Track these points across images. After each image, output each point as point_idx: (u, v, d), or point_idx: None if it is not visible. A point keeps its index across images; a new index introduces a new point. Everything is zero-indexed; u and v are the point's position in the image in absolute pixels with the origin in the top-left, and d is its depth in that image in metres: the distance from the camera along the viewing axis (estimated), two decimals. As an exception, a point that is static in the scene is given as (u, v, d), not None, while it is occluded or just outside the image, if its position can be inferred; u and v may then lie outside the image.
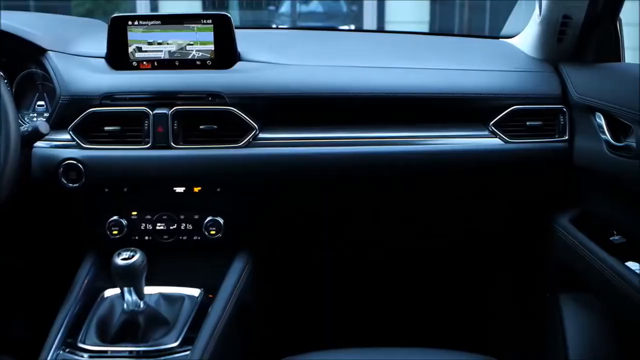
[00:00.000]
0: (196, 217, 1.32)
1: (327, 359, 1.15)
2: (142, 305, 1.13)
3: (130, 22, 1.35)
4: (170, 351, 1.10)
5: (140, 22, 1.36)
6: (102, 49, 1.40)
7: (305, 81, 1.32)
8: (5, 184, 1.12)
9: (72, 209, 1.32)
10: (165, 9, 6.59)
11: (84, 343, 1.12)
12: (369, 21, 6.59)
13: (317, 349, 1.17)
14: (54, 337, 1.13)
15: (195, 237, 1.32)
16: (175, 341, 1.12)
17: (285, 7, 8.38)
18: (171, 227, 1.33)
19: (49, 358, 1.09)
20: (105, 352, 1.10)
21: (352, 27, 8.01)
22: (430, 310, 1.65)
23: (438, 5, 6.76)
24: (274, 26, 7.18)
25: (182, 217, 1.32)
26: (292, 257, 1.49)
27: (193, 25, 1.35)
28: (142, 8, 6.56)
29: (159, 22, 1.36)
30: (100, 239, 1.32)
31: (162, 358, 1.09)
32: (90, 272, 1.29)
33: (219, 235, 1.31)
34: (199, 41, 1.36)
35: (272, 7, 9.06)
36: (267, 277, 1.33)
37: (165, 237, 1.33)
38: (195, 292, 1.25)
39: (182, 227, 1.32)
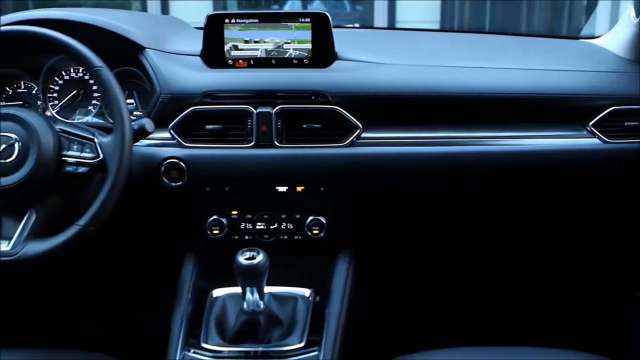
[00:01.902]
0: (298, 216, 1.31)
1: (438, 358, 1.16)
2: (262, 305, 1.12)
3: (227, 20, 1.34)
4: (297, 352, 1.09)
5: (237, 20, 1.35)
6: (193, 46, 1.39)
7: (406, 81, 1.32)
8: (121, 183, 1.11)
9: (172, 208, 1.31)
10: (175, 8, 6.55)
11: (206, 343, 1.11)
12: (380, 21, 6.60)
13: (423, 348, 1.17)
14: (176, 337, 1.12)
15: (296, 237, 1.31)
16: (300, 342, 1.11)
17: (288, 7, 8.38)
18: (272, 227, 1.32)
19: (177, 358, 1.08)
20: (231, 352, 1.09)
21: (357, 25, 8.03)
22: (516, 308, 1.66)
23: (449, 4, 6.79)
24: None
25: (283, 216, 1.31)
26: (392, 255, 1.48)
27: (291, 23, 1.34)
28: (153, 8, 6.51)
29: (256, 20, 1.35)
30: (200, 239, 1.31)
31: (289, 359, 1.08)
32: (194, 272, 1.28)
33: (322, 234, 1.30)
34: (297, 40, 1.35)
35: (275, 6, 9.09)
36: (369, 276, 1.33)
37: (266, 236, 1.32)
38: (305, 292, 1.24)
39: (283, 227, 1.32)
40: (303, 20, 1.34)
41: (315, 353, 1.10)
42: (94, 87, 1.42)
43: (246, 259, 1.07)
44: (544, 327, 1.62)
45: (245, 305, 1.12)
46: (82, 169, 1.14)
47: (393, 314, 1.54)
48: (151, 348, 1.22)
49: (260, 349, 1.10)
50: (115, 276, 1.44)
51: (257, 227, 1.32)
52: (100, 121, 1.41)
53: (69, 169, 1.14)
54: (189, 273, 1.28)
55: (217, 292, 1.24)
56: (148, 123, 1.22)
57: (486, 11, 7.43)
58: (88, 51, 1.14)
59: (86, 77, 1.42)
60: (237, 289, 1.26)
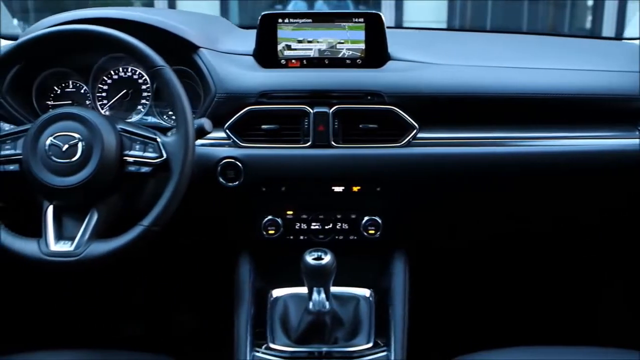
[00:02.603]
0: (353, 216, 1.31)
1: (497, 359, 1.16)
2: (327, 306, 1.12)
3: (280, 20, 1.34)
4: (366, 353, 1.09)
5: (291, 20, 1.35)
6: (244, 45, 1.39)
7: (460, 81, 1.32)
8: (184, 183, 1.11)
9: (228, 208, 1.30)
10: (181, 8, 6.54)
11: (273, 343, 1.10)
12: (387, 21, 6.57)
13: (479, 347, 1.17)
14: (244, 338, 1.12)
15: (351, 237, 1.31)
16: (367, 342, 1.11)
17: (291, 7, 8.38)
18: (326, 227, 1.31)
19: (247, 359, 1.07)
20: (300, 352, 1.09)
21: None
22: (567, 306, 1.66)
23: (458, 4, 6.80)
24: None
25: (338, 216, 1.31)
26: (443, 254, 1.49)
27: (344, 23, 1.34)
28: (160, 7, 6.50)
29: (309, 20, 1.35)
30: (255, 239, 1.31)
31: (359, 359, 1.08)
32: (251, 272, 1.28)
33: (377, 234, 1.30)
34: (350, 40, 1.35)
35: (278, 6, 9.09)
36: (422, 276, 1.33)
37: (321, 236, 1.32)
38: (365, 292, 1.25)
39: (338, 227, 1.31)
40: (357, 20, 1.34)
41: (385, 353, 1.10)
42: (144, 87, 1.42)
43: (314, 259, 1.07)
44: (594, 326, 1.63)
45: (311, 305, 1.11)
46: (144, 169, 1.13)
47: (447, 313, 1.55)
48: (203, 348, 1.22)
49: (329, 349, 1.09)
50: (166, 276, 1.43)
51: (312, 227, 1.32)
52: (155, 120, 1.41)
53: (132, 168, 1.14)
54: (247, 273, 1.28)
55: (277, 293, 1.24)
56: (207, 123, 1.21)
57: (496, 11, 7.46)
58: (150, 50, 1.14)
59: (135, 77, 1.42)
60: (297, 289, 1.27)
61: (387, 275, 1.30)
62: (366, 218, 1.30)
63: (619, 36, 1.62)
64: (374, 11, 1.34)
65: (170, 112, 1.42)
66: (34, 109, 1.41)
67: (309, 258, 1.07)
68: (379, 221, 1.30)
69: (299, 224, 1.32)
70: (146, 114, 1.42)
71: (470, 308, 1.61)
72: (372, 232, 1.30)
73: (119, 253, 1.09)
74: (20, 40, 1.15)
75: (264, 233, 1.30)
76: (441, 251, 1.48)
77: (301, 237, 1.32)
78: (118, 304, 1.66)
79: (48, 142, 1.11)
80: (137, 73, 1.42)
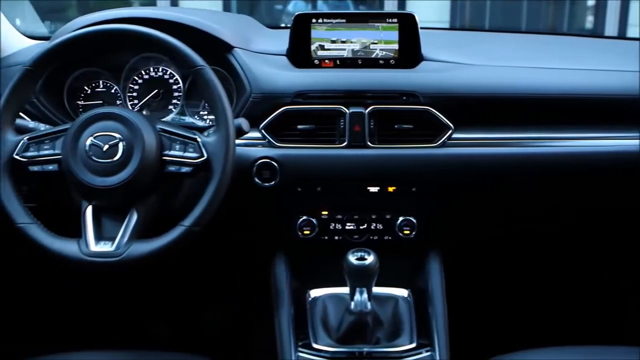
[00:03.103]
0: (388, 216, 1.31)
1: (535, 359, 1.16)
2: (369, 306, 1.12)
3: (314, 20, 1.34)
4: (411, 353, 1.10)
5: (325, 20, 1.35)
6: (275, 45, 1.39)
7: (494, 81, 1.32)
8: (226, 183, 1.11)
9: (263, 209, 1.30)
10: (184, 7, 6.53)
11: (316, 343, 1.10)
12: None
13: (516, 347, 1.18)
14: (287, 338, 1.12)
15: (386, 237, 1.31)
16: (410, 343, 1.11)
17: (292, 7, 8.38)
18: (361, 227, 1.32)
19: (292, 359, 1.07)
20: (344, 352, 1.09)
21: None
22: (599, 306, 1.67)
23: (459, 5, 6.81)
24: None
25: (373, 216, 1.31)
26: (476, 254, 1.49)
27: (378, 24, 1.35)
28: (162, 7, 6.48)
29: (343, 20, 1.35)
30: (290, 239, 1.31)
31: (403, 360, 1.08)
32: (287, 272, 1.28)
33: (412, 235, 1.30)
34: (383, 40, 1.35)
35: (278, 6, 9.09)
36: (455, 276, 1.33)
37: (356, 237, 1.32)
38: (402, 292, 1.25)
39: (373, 227, 1.31)
40: (390, 20, 1.34)
41: (429, 353, 1.10)
42: (175, 87, 1.41)
43: (357, 259, 1.07)
44: (629, 326, 1.63)
45: (352, 305, 1.11)
46: (185, 169, 1.13)
47: (481, 313, 1.55)
48: (237, 348, 1.22)
49: (373, 349, 1.09)
50: (198, 276, 1.43)
51: (347, 227, 1.32)
52: (189, 120, 1.41)
53: (172, 168, 1.13)
54: (283, 274, 1.28)
55: (315, 293, 1.24)
56: (244, 123, 1.21)
57: (495, 11, 7.48)
58: (191, 50, 1.14)
59: (165, 77, 1.42)
60: (334, 289, 1.27)
61: (422, 275, 1.31)
62: (401, 218, 1.30)
63: (621, 36, 1.62)
64: (408, 12, 1.34)
65: (202, 112, 1.42)
66: (65, 109, 1.41)
67: (352, 258, 1.07)
68: (414, 221, 1.30)
69: (333, 224, 1.32)
70: (177, 114, 1.41)
71: (504, 307, 1.61)
72: (407, 232, 1.30)
73: (160, 253, 1.08)
74: (62, 38, 1.14)
75: (299, 233, 1.30)
76: (474, 250, 1.48)
77: (336, 238, 1.32)
78: (147, 304, 1.65)
79: (88, 142, 1.11)
80: (167, 73, 1.41)
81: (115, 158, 1.10)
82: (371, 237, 1.32)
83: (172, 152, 1.13)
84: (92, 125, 1.12)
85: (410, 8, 6.60)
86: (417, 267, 1.32)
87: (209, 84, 1.12)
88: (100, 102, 1.42)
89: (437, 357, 1.10)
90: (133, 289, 1.63)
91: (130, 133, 1.11)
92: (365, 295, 1.10)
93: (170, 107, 1.42)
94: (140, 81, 1.42)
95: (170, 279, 1.61)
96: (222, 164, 1.10)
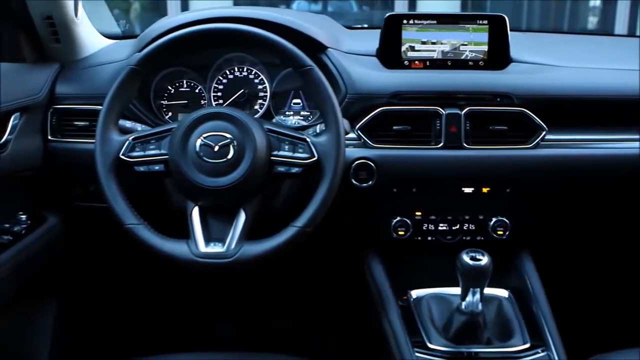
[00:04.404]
0: (481, 217, 1.31)
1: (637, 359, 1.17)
2: (480, 307, 1.12)
3: (405, 21, 1.35)
4: (527, 354, 1.10)
5: (416, 21, 1.35)
6: (362, 46, 1.39)
7: (582, 83, 1.33)
8: (337, 183, 1.10)
9: (359, 209, 1.30)
10: (195, 8, 6.49)
11: (431, 343, 1.11)
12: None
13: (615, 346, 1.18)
14: (402, 337, 1.12)
15: (478, 238, 1.32)
16: (524, 343, 1.12)
17: (295, 7, 8.37)
18: (454, 228, 1.32)
19: (412, 359, 1.08)
20: (461, 352, 1.09)
21: (365, 25, 8.05)
22: None
23: (469, 5, 6.83)
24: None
25: (466, 217, 1.32)
26: (569, 254, 1.49)
27: (468, 25, 1.35)
28: (173, 8, 6.44)
29: (434, 21, 1.35)
30: (384, 240, 1.31)
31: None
32: (385, 273, 1.28)
33: (505, 235, 1.31)
34: (473, 41, 1.36)
35: (282, 6, 9.10)
36: (549, 275, 1.34)
37: (449, 237, 1.32)
38: (502, 292, 1.26)
39: (465, 228, 1.32)
40: (481, 22, 1.35)
41: (545, 353, 1.11)
42: (260, 87, 1.41)
43: (472, 259, 1.07)
44: None
45: (464, 305, 1.12)
46: (294, 169, 1.12)
47: (575, 312, 1.55)
48: (336, 347, 1.22)
49: (488, 349, 1.10)
50: (292, 277, 1.42)
51: (440, 228, 1.32)
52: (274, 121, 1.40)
53: (281, 169, 1.13)
54: (382, 274, 1.28)
55: (417, 293, 1.24)
56: (346, 123, 1.21)
57: (510, 11, 7.51)
58: (299, 50, 1.13)
59: (250, 77, 1.41)
60: (434, 290, 1.27)
61: (516, 274, 1.31)
62: (494, 219, 1.31)
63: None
64: (498, 14, 1.34)
65: (287, 113, 1.41)
66: (151, 108, 1.40)
67: (467, 258, 1.07)
68: (507, 222, 1.31)
69: (426, 225, 1.32)
70: (263, 115, 1.41)
71: (595, 306, 1.62)
72: (501, 232, 1.31)
73: (272, 254, 1.08)
74: (170, 37, 1.13)
75: (394, 234, 1.31)
76: (562, 249, 1.49)
77: (429, 238, 1.32)
78: (243, 305, 1.65)
79: (199, 142, 1.10)
80: (253, 73, 1.41)
81: (227, 158, 1.10)
82: (463, 238, 1.32)
83: (281, 153, 1.13)
84: (202, 125, 1.12)
85: (420, 8, 6.61)
86: (509, 267, 1.32)
87: (318, 84, 1.12)
88: (185, 101, 1.42)
89: (555, 357, 1.10)
90: (227, 290, 1.63)
91: (241, 133, 1.11)
92: (477, 296, 1.10)
93: (256, 107, 1.41)
94: (225, 81, 1.41)
95: (264, 279, 1.60)
96: (333, 165, 1.10)
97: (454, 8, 6.69)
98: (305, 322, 1.63)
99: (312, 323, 1.64)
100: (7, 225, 1.28)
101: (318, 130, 1.25)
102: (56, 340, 1.43)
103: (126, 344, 1.66)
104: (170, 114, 1.42)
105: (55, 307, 1.45)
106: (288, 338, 1.68)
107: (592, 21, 8.48)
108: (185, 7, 6.61)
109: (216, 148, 1.10)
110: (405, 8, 6.62)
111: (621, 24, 6.37)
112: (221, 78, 1.42)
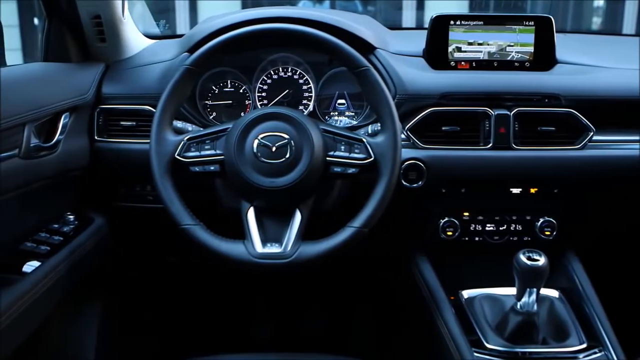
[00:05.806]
0: (528, 217, 1.32)
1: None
2: (535, 307, 1.13)
3: (452, 22, 1.35)
4: (584, 354, 1.11)
5: (463, 22, 1.35)
6: (406, 47, 1.40)
7: (627, 83, 1.33)
8: (394, 183, 1.10)
9: (408, 210, 1.30)
10: (203, 8, 6.47)
11: (488, 343, 1.11)
12: (408, 20, 6.62)
13: None
14: (460, 337, 1.12)
15: (525, 238, 1.32)
16: (580, 343, 1.12)
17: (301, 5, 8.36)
18: (501, 228, 1.33)
19: (472, 359, 1.08)
20: (520, 352, 1.10)
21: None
22: None
23: (477, 4, 6.83)
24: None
25: (514, 217, 1.32)
26: (615, 254, 1.49)
27: (515, 26, 1.36)
28: (181, 7, 6.42)
29: (481, 22, 1.36)
30: (432, 240, 1.31)
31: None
32: (433, 272, 1.28)
33: (553, 235, 1.31)
34: (519, 42, 1.36)
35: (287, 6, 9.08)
36: (595, 275, 1.35)
37: (496, 238, 1.33)
38: (553, 292, 1.26)
39: (512, 228, 1.32)
40: (527, 23, 1.35)
41: (603, 353, 1.11)
42: (305, 87, 1.41)
43: (529, 259, 1.08)
44: None
45: (519, 306, 1.12)
46: (351, 170, 1.12)
47: (620, 310, 1.56)
48: (388, 348, 1.21)
49: (546, 349, 1.10)
50: (339, 277, 1.42)
51: (487, 228, 1.32)
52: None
53: (337, 169, 1.13)
54: (431, 274, 1.28)
55: (468, 293, 1.25)
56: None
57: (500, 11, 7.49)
58: (355, 51, 1.13)
59: (295, 77, 1.41)
60: (485, 290, 1.28)
61: (565, 275, 1.32)
62: (542, 219, 1.31)
63: None
64: (545, 14, 1.35)
65: (332, 113, 1.42)
66: (197, 108, 1.40)
67: (524, 258, 1.07)
68: (555, 222, 1.31)
69: (474, 226, 1.32)
70: (308, 114, 1.41)
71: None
72: (548, 233, 1.31)
73: (330, 255, 1.08)
74: (224, 37, 1.12)
75: (442, 234, 1.31)
76: (611, 249, 1.49)
77: (476, 239, 1.33)
78: (296, 306, 1.64)
79: (256, 142, 1.10)
80: (297, 73, 1.41)
81: (284, 159, 1.10)
82: (510, 238, 1.33)
83: (337, 153, 1.13)
84: (259, 126, 1.12)
85: (428, 8, 6.62)
86: (557, 267, 1.33)
87: (375, 85, 1.12)
88: (229, 102, 1.42)
89: (614, 356, 1.11)
90: (264, 291, 1.63)
91: (299, 134, 1.11)
92: (533, 296, 1.10)
93: (301, 107, 1.41)
94: (269, 81, 1.41)
95: (299, 281, 1.61)
96: (390, 165, 1.10)
97: (463, 9, 6.70)
98: (339, 322, 1.63)
99: (347, 323, 1.64)
100: (56, 226, 1.28)
101: (370, 131, 1.25)
102: (100, 341, 1.43)
103: (166, 343, 1.66)
104: (214, 114, 1.42)
105: (99, 307, 1.45)
106: (323, 338, 1.69)
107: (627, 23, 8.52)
108: (193, 6, 6.61)
109: (274, 148, 1.10)
110: (413, 9, 6.65)
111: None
112: (266, 78, 1.42)
